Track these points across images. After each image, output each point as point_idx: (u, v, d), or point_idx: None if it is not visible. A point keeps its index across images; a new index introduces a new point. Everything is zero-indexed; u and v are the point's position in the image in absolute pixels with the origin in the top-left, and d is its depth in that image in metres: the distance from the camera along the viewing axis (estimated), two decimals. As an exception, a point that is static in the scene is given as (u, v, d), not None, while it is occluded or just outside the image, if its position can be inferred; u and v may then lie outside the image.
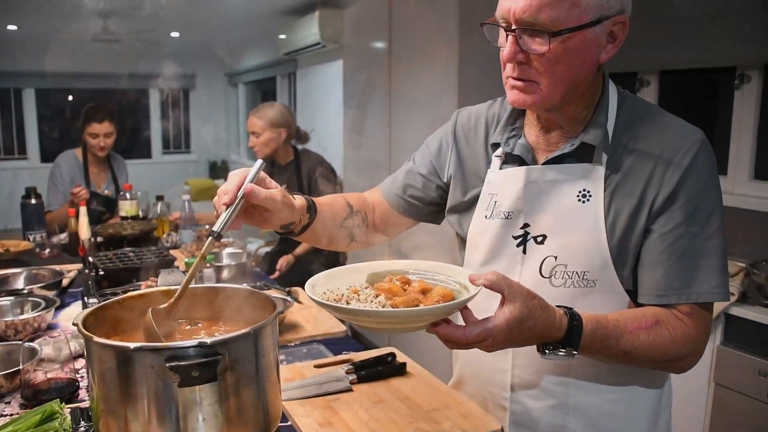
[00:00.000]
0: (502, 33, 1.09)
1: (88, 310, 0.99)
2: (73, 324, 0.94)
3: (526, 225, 1.19)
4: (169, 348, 0.84)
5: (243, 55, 8.93)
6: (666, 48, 3.03)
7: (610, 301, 1.14)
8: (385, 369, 1.49)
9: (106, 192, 3.50)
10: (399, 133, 3.76)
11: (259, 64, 8.26)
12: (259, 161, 1.03)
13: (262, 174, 1.03)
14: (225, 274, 2.29)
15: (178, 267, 2.19)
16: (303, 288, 2.18)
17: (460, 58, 3.18)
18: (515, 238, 1.20)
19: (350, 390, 1.42)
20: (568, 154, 1.15)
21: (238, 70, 9.21)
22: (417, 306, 0.96)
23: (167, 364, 0.83)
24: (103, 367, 0.89)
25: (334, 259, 3.43)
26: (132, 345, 0.85)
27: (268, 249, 3.72)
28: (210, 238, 0.96)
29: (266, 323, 0.92)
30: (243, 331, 0.89)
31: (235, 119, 9.83)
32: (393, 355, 1.55)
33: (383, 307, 0.96)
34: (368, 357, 1.55)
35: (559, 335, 1.02)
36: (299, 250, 3.33)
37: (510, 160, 1.23)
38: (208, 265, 2.24)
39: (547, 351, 1.04)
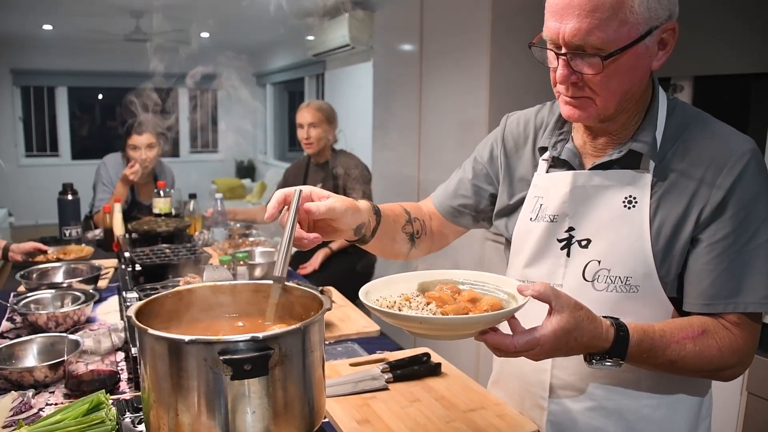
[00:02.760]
0: (551, 53, 1.09)
1: (138, 303, 1.02)
2: (127, 316, 0.97)
3: (570, 228, 1.20)
4: (222, 341, 0.86)
5: (271, 56, 9.01)
6: (700, 53, 3.00)
7: (652, 308, 1.14)
8: (421, 369, 1.50)
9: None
10: (428, 136, 3.77)
11: (287, 65, 8.32)
12: (299, 188, 1.04)
13: (308, 190, 1.05)
14: (258, 272, 2.31)
15: (211, 264, 2.22)
16: (336, 288, 2.20)
17: (492, 61, 3.18)
18: (560, 241, 1.21)
19: (386, 389, 1.44)
20: (616, 160, 1.16)
21: (266, 71, 9.28)
22: (467, 313, 0.98)
23: (221, 357, 0.85)
24: (155, 358, 0.91)
25: (364, 260, 3.44)
26: (186, 338, 0.87)
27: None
28: (274, 283, 1.00)
29: (315, 320, 0.94)
30: (293, 326, 0.91)
31: (262, 119, 9.91)
32: (428, 355, 1.56)
33: (434, 314, 0.98)
34: (403, 356, 1.57)
35: (606, 345, 1.03)
36: (335, 245, 3.34)
37: (557, 164, 1.24)
38: (241, 262, 2.27)
39: (594, 361, 1.05)
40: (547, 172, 1.25)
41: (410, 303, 1.03)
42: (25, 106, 8.98)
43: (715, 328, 1.09)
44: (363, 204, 1.15)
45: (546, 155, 1.26)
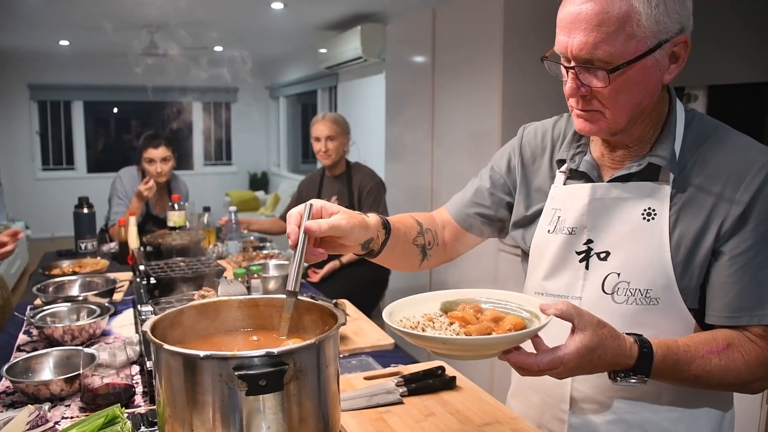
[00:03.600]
0: (562, 67, 1.10)
1: (154, 318, 1.02)
2: (142, 331, 0.97)
3: (589, 241, 1.19)
4: (237, 357, 0.86)
5: (284, 69, 9.07)
6: (714, 62, 2.99)
7: (672, 320, 1.13)
8: (435, 382, 1.50)
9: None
10: (441, 148, 3.77)
11: (300, 77, 8.38)
12: (310, 202, 1.04)
13: (319, 204, 1.05)
14: (272, 284, 2.32)
15: (226, 277, 2.23)
16: (350, 300, 2.20)
17: (504, 72, 3.18)
18: (578, 253, 1.20)
19: (401, 402, 1.43)
20: (635, 173, 1.15)
21: (279, 84, 9.34)
22: (489, 334, 0.99)
23: (236, 373, 0.85)
24: (171, 373, 0.91)
25: (378, 273, 3.44)
26: (201, 353, 0.87)
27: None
28: (287, 298, 1.02)
29: (330, 334, 0.94)
30: (308, 341, 0.91)
31: (275, 132, 9.96)
32: (442, 368, 1.56)
33: (457, 335, 0.99)
34: (418, 370, 1.56)
35: (630, 363, 1.03)
36: (345, 258, 3.34)
37: (574, 176, 1.24)
38: (255, 275, 2.27)
39: (618, 378, 1.05)
40: (564, 184, 1.25)
41: (433, 323, 1.04)
42: (41, 120, 9.09)
43: (740, 342, 1.08)
44: (372, 218, 1.14)
45: (564, 167, 1.26)
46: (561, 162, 1.27)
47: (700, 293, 1.13)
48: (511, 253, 3.16)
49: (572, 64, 1.06)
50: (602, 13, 1.00)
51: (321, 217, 1.04)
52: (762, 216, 1.06)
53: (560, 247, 1.22)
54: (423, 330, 1.02)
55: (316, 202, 1.05)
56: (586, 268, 1.19)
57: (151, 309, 1.75)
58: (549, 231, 1.25)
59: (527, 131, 1.38)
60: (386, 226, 1.19)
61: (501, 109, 3.20)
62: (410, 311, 1.09)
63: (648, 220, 1.13)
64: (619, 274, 1.15)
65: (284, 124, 9.63)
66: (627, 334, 1.04)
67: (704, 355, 1.06)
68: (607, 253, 1.17)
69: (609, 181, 1.18)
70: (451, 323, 1.03)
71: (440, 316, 1.07)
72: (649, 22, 1.01)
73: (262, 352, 0.86)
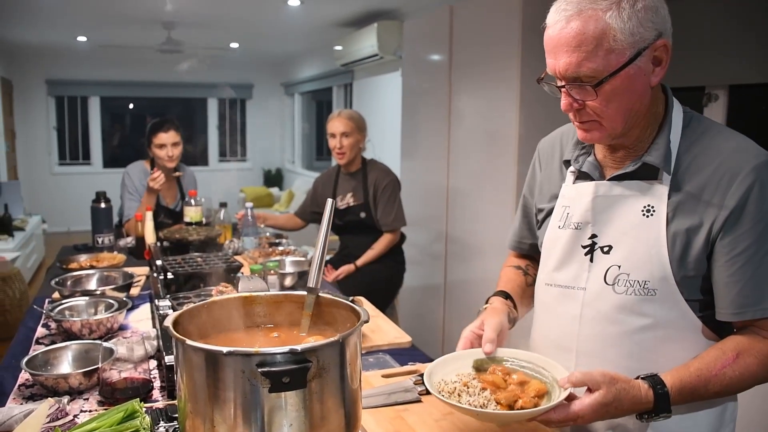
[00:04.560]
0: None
1: (175, 314, 1.02)
2: (164, 326, 0.97)
3: (593, 236, 1.27)
4: (260, 354, 0.86)
5: (300, 66, 9.08)
6: (735, 62, 2.95)
7: (669, 310, 1.19)
8: (454, 381, 1.49)
9: (177, 209, 3.55)
10: (457, 146, 3.76)
11: (315, 74, 8.38)
12: (330, 200, 1.13)
13: (469, 331, 1.28)
14: (288, 281, 2.32)
15: (243, 273, 2.23)
16: (366, 298, 2.19)
17: (522, 70, 3.16)
18: (584, 247, 1.28)
19: (419, 401, 1.43)
20: (632, 172, 1.22)
21: (295, 81, 9.35)
22: (516, 401, 1.11)
23: (259, 370, 0.85)
24: (193, 369, 0.91)
25: (394, 270, 3.43)
26: (225, 349, 0.86)
27: (327, 257, 3.73)
28: (308, 294, 1.11)
29: (353, 331, 0.93)
30: (332, 339, 0.90)
31: (290, 129, 9.98)
32: (461, 367, 1.55)
33: (488, 401, 1.11)
34: (436, 369, 1.55)
35: (649, 407, 1.09)
36: (360, 261, 3.33)
37: (581, 176, 1.32)
38: (272, 272, 2.28)
39: (643, 420, 1.12)
40: (573, 183, 1.33)
41: (468, 389, 1.14)
42: (59, 115, 9.17)
43: (750, 345, 1.14)
44: (498, 302, 1.37)
45: (572, 167, 1.34)
46: (568, 163, 1.35)
47: (702, 285, 1.19)
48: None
49: (562, 83, 1.15)
50: (580, 35, 1.09)
51: (483, 335, 1.25)
52: (757, 216, 1.12)
53: (568, 242, 1.30)
54: (459, 395, 1.13)
55: (467, 332, 1.28)
56: (591, 260, 1.27)
57: (169, 304, 1.75)
58: (559, 227, 1.33)
59: (541, 145, 1.50)
60: (507, 296, 1.41)
61: (519, 108, 3.18)
62: (446, 369, 1.22)
63: (647, 216, 1.20)
64: (620, 267, 1.22)
65: (299, 121, 9.65)
66: (642, 378, 1.11)
67: (717, 372, 1.12)
68: (610, 247, 1.24)
69: (609, 180, 1.25)
70: (483, 389, 1.14)
71: (473, 378, 1.18)
72: (624, 35, 1.08)
73: (285, 349, 0.86)
